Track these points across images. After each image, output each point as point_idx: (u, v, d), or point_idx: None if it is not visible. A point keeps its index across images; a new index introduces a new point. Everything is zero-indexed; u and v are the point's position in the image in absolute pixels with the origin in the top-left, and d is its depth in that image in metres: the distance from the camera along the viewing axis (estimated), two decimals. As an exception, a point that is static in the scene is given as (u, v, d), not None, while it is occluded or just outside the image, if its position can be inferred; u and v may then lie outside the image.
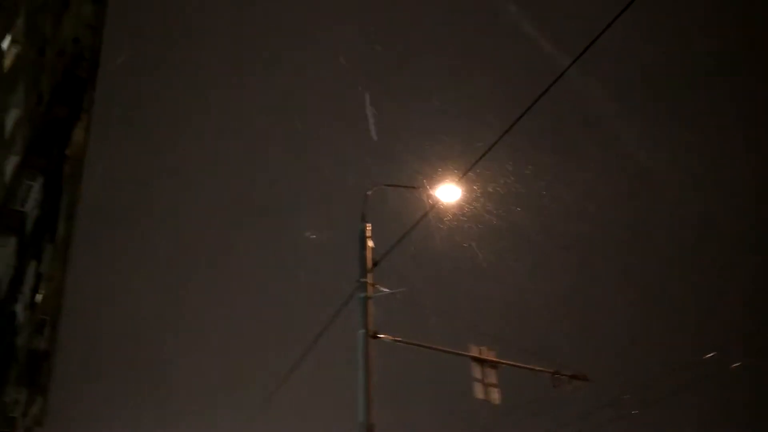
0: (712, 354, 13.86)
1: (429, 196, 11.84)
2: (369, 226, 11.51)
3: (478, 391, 11.01)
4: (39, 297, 25.58)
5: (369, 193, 12.02)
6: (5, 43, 13.45)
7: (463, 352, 11.36)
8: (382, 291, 10.67)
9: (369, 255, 11.04)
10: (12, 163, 16.37)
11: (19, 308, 20.50)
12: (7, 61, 13.79)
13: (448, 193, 11.59)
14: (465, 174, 10.04)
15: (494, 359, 11.45)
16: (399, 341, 10.46)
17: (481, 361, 11.30)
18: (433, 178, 11.82)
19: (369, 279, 10.67)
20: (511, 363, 11.75)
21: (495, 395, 11.05)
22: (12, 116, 15.33)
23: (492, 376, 11.17)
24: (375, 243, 11.30)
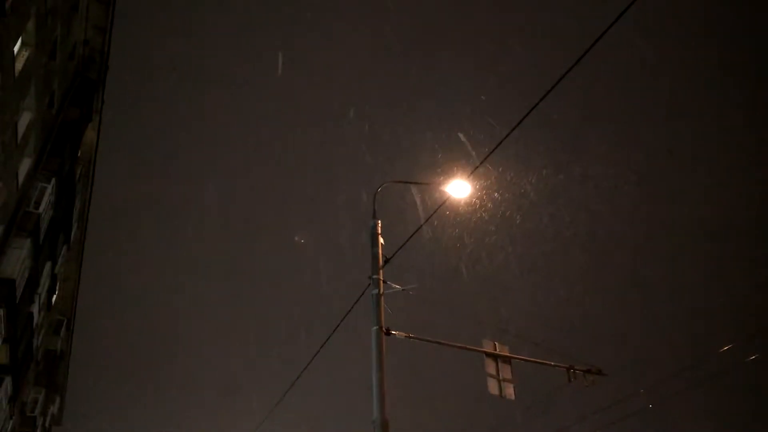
0: (727, 347, 13.73)
1: (439, 192, 11.81)
2: (380, 223, 11.50)
3: (493, 387, 10.98)
4: (55, 298, 25.83)
5: (379, 189, 12.01)
6: (16, 47, 13.55)
7: (477, 348, 11.33)
8: (395, 287, 10.66)
9: (380, 251, 11.02)
10: (25, 165, 16.51)
11: (36, 309, 20.71)
12: (19, 65, 13.89)
13: (458, 188, 11.55)
14: (475, 169, 9.97)
15: (509, 354, 11.40)
16: (412, 338, 10.44)
17: (495, 357, 11.26)
18: (444, 175, 11.79)
19: (380, 275, 10.66)
20: (526, 358, 11.70)
21: (510, 391, 11.01)
22: (24, 119, 15.46)
23: (506, 372, 11.13)
24: (386, 239, 11.28)
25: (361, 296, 10.60)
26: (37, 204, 17.45)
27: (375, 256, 10.93)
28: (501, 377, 11.08)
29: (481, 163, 9.09)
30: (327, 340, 11.31)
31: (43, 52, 15.64)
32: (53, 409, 33.04)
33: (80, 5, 18.96)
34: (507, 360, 11.34)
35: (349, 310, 10.78)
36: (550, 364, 12.02)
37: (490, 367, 11.13)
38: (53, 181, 18.06)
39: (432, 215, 10.12)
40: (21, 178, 16.12)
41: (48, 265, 21.25)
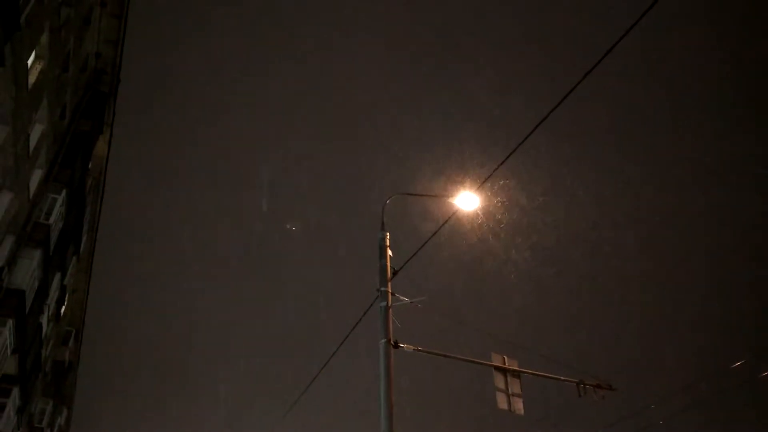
0: (739, 363, 13.56)
1: (448, 204, 11.79)
2: (388, 235, 11.48)
3: (502, 402, 10.87)
4: (64, 309, 25.93)
5: (388, 201, 12.00)
6: (30, 60, 13.71)
7: (486, 362, 11.23)
8: (403, 300, 10.61)
9: (389, 264, 10.99)
10: (37, 176, 16.65)
11: (45, 320, 20.78)
12: (32, 77, 14.05)
13: (467, 201, 11.53)
14: (484, 182, 9.95)
15: (518, 369, 11.30)
16: (420, 350, 10.37)
17: (504, 371, 11.16)
18: (452, 187, 11.77)
19: (389, 288, 10.62)
20: (535, 372, 11.59)
21: (519, 405, 10.89)
22: (37, 131, 15.61)
23: (515, 386, 11.02)
24: (394, 252, 11.25)
25: (369, 309, 10.57)
26: (48, 215, 17.57)
27: (383, 268, 10.90)
28: (510, 391, 10.98)
29: (489, 176, 9.07)
30: (335, 352, 11.28)
31: (56, 65, 15.83)
32: (61, 420, 33.05)
33: (93, 18, 19.19)
34: (516, 374, 11.24)
35: (357, 323, 10.76)
36: (560, 379, 11.90)
37: (499, 381, 11.03)
38: (64, 192, 18.20)
39: (440, 228, 10.08)
40: (32, 189, 16.24)
41: (57, 276, 21.35)
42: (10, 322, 15.67)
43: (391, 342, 9.84)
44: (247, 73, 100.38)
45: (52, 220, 17.57)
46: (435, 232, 9.85)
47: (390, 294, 10.50)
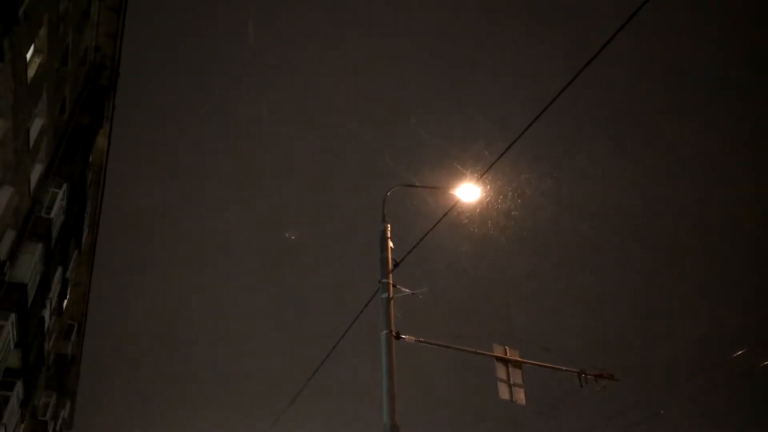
0: (741, 352, 13.61)
1: (450, 196, 11.79)
2: (389, 227, 11.50)
3: (503, 392, 10.91)
4: (66, 302, 26.01)
5: (389, 193, 12.01)
6: (29, 53, 13.68)
7: (487, 352, 11.27)
8: (404, 291, 10.62)
9: (390, 255, 11.01)
10: (37, 171, 16.65)
11: (47, 314, 20.85)
12: (31, 71, 14.02)
13: (467, 192, 11.55)
14: (485, 173, 9.94)
15: (519, 359, 11.34)
16: (422, 342, 10.40)
17: (506, 361, 11.20)
18: (453, 178, 11.77)
19: (390, 279, 10.63)
20: (537, 363, 11.63)
21: (520, 396, 10.94)
22: (36, 125, 15.60)
23: (517, 376, 11.07)
24: (395, 243, 11.27)
25: (370, 300, 10.59)
26: (49, 209, 17.60)
27: (384, 260, 10.92)
28: (512, 382, 11.03)
29: (490, 167, 9.06)
30: (337, 343, 11.31)
31: (55, 59, 15.79)
32: (64, 413, 33.24)
33: (92, 12, 19.13)
34: (518, 364, 11.28)
35: (359, 314, 10.77)
36: (561, 369, 11.94)
37: (501, 371, 11.07)
38: (65, 186, 18.20)
39: (441, 219, 10.08)
40: (33, 184, 16.25)
41: (59, 270, 21.39)
42: (12, 316, 15.72)
43: (393, 333, 9.87)
44: (249, 66, 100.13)
45: (53, 214, 17.60)
46: (436, 224, 9.85)
47: (391, 285, 10.52)
